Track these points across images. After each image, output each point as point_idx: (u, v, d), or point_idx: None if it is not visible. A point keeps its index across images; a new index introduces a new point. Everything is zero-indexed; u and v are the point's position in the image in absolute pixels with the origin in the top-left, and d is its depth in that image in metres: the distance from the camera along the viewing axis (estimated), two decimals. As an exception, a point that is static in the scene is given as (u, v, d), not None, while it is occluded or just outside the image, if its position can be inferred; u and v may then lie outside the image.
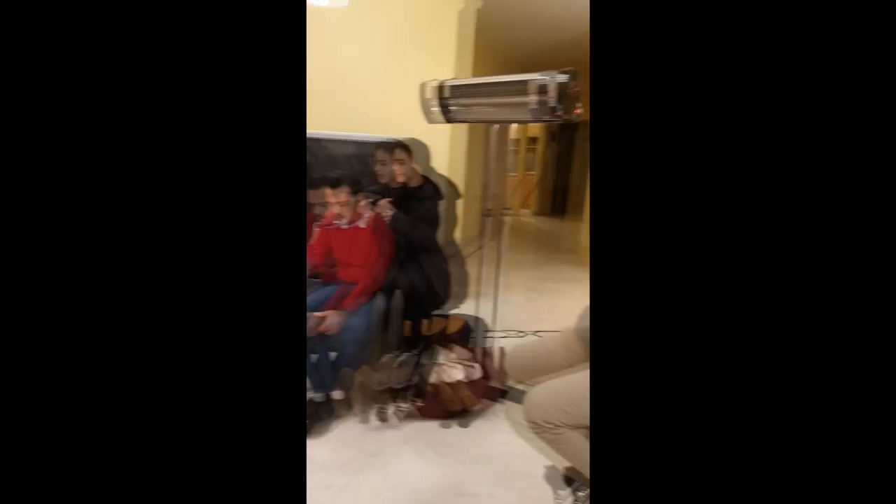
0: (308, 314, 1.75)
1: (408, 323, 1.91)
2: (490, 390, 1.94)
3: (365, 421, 1.84)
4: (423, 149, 1.89)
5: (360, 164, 2.62)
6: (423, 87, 1.79)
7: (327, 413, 1.79)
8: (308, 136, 2.55)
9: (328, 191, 1.78)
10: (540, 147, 8.04)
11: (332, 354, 1.82)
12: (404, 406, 1.85)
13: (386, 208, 1.86)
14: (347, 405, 1.86)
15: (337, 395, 1.81)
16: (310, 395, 1.83)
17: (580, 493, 1.44)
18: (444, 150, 2.57)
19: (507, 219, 2.05)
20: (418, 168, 1.88)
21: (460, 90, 1.72)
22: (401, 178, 1.87)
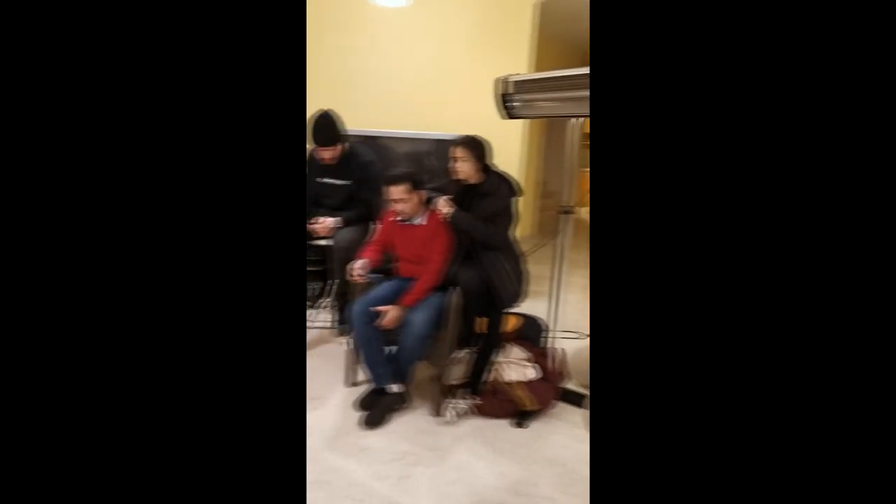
0: (370, 308, 1.79)
1: (486, 319, 1.90)
2: (548, 391, 1.90)
3: (422, 415, 1.86)
4: (486, 146, 1.87)
5: (420, 162, 2.65)
6: (496, 82, 1.77)
7: (384, 405, 1.82)
8: (369, 133, 2.61)
9: (389, 188, 1.81)
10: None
11: (392, 348, 1.85)
12: (462, 403, 1.85)
13: (444, 206, 1.86)
14: (405, 399, 1.89)
15: (395, 388, 1.83)
16: (369, 386, 1.87)
17: None
18: (506, 146, 2.54)
19: (570, 217, 2.00)
20: (481, 165, 1.86)
21: (526, 85, 1.69)
22: (461, 176, 1.86)
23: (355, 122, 2.38)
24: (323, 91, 2.97)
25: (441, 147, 2.59)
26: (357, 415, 1.80)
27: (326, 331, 2.51)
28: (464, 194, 1.90)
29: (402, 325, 1.79)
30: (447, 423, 1.81)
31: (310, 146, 2.16)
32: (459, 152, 1.84)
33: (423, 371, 2.12)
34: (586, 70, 1.52)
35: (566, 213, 1.99)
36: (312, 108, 2.14)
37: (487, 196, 1.84)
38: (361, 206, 2.27)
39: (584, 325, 2.74)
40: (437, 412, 1.85)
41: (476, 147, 1.84)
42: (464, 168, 1.84)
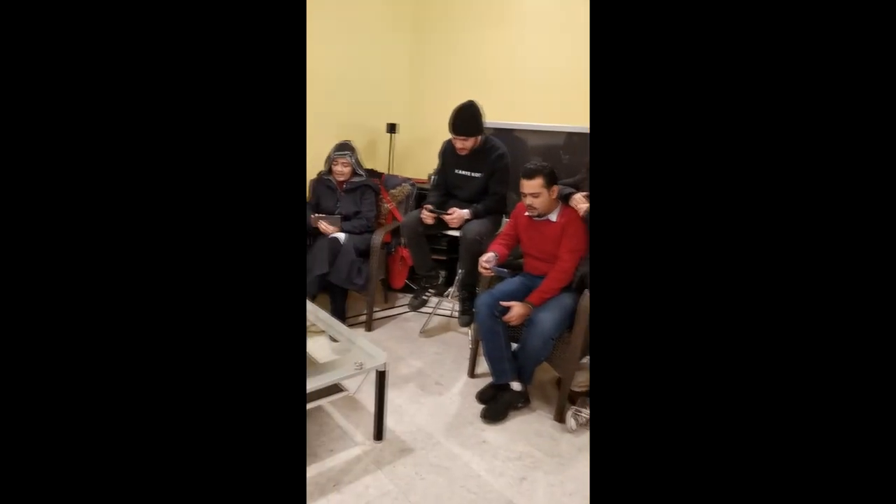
0: (496, 302, 1.77)
1: None
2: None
3: (543, 418, 1.81)
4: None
5: (554, 156, 2.55)
6: None
7: (504, 401, 1.80)
8: (503, 126, 2.59)
9: (522, 181, 1.77)
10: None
11: (516, 345, 1.83)
12: (584, 411, 1.76)
13: (581, 202, 1.76)
14: (526, 398, 1.85)
15: (516, 385, 1.81)
16: (490, 380, 1.87)
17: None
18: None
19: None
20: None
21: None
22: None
23: (490, 115, 2.38)
24: (460, 83, 3.02)
25: (574, 141, 2.46)
26: (477, 406, 1.82)
27: (449, 319, 2.57)
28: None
29: (526, 323, 1.75)
30: (569, 430, 1.74)
31: (451, 135, 2.21)
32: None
33: (547, 373, 2.06)
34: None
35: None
36: (454, 102, 2.18)
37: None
38: (493, 199, 2.27)
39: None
40: (559, 418, 1.79)
41: None
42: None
